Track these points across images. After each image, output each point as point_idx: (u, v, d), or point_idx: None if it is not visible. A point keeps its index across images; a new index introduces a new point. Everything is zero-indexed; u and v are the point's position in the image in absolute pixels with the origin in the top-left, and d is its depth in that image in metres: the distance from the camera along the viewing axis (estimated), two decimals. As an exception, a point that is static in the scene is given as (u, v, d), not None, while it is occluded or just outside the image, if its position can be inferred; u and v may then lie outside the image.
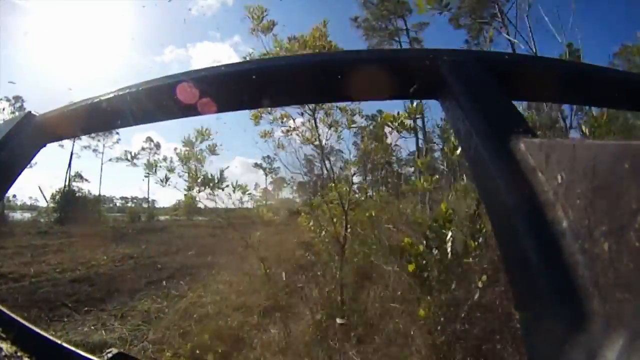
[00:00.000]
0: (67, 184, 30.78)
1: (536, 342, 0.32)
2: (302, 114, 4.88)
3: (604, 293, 0.26)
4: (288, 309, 4.44)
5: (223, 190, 4.40)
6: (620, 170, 0.27)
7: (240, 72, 0.64)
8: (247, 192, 4.63)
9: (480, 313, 2.55)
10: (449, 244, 2.82)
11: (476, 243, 2.75)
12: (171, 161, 4.70)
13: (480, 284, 2.57)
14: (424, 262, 2.85)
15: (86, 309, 6.07)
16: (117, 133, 36.90)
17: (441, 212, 2.94)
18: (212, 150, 4.47)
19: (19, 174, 0.76)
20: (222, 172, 4.43)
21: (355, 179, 5.34)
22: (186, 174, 4.31)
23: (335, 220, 4.57)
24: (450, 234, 2.85)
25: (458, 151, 3.16)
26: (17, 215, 27.50)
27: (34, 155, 0.79)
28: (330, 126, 4.86)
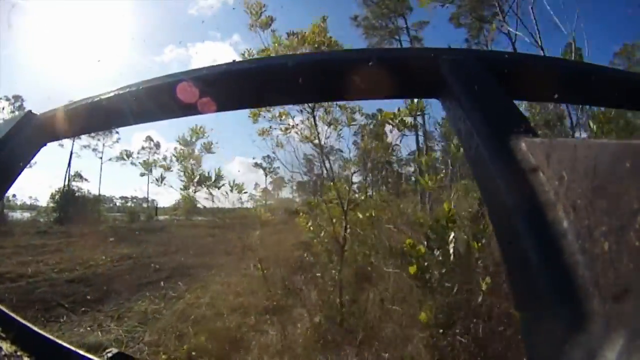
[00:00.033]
0: (66, 183, 30.80)
1: (536, 342, 0.32)
2: (301, 112, 4.84)
3: (605, 293, 0.26)
4: (286, 311, 4.39)
5: (219, 189, 4.34)
6: (620, 170, 0.27)
7: (240, 71, 0.64)
8: (244, 192, 4.56)
9: (484, 316, 2.50)
10: (452, 245, 2.76)
11: (479, 244, 2.69)
12: (170, 160, 4.62)
13: (484, 287, 2.51)
14: (426, 263, 2.79)
15: (83, 309, 6.06)
16: (117, 132, 36.86)
17: (443, 212, 2.88)
18: (208, 149, 4.41)
19: (19, 173, 0.76)
20: (218, 170, 4.37)
21: (355, 179, 5.29)
22: (182, 173, 4.24)
23: (334, 220, 4.51)
24: (452, 234, 2.79)
25: (462, 150, 3.11)
26: (17, 215, 27.50)
27: (34, 155, 0.79)
28: (329, 124, 4.81)
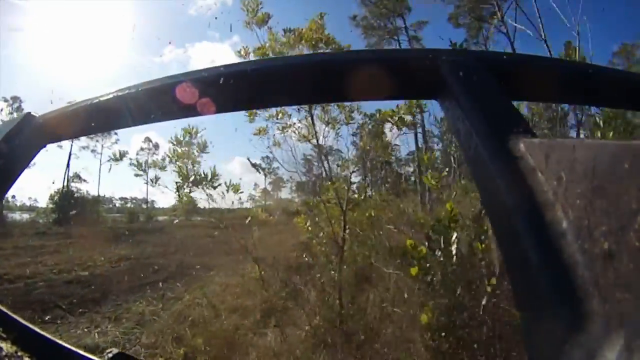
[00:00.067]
0: (65, 184, 30.75)
1: (536, 342, 0.32)
2: (298, 111, 4.78)
3: (604, 293, 0.26)
4: (284, 313, 4.35)
5: (215, 189, 4.23)
6: (620, 170, 0.27)
7: (240, 73, 0.64)
8: (240, 192, 4.44)
9: (489, 318, 2.44)
10: (454, 245, 2.70)
11: (483, 245, 2.62)
12: (163, 160, 4.58)
13: (488, 288, 2.45)
14: (427, 265, 2.73)
15: (80, 310, 6.06)
16: (116, 133, 36.81)
17: (446, 211, 2.82)
18: (202, 148, 4.31)
19: (19, 174, 0.76)
20: (214, 169, 4.26)
21: (355, 179, 5.24)
22: (177, 174, 4.13)
23: (332, 221, 4.44)
24: (455, 235, 2.73)
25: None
26: (16, 216, 27.45)
27: (34, 156, 0.79)
28: (327, 123, 4.75)
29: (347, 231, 4.35)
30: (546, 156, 0.35)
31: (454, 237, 2.72)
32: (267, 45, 4.69)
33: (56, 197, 25.06)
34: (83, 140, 35.59)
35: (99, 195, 35.50)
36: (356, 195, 5.32)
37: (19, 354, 0.62)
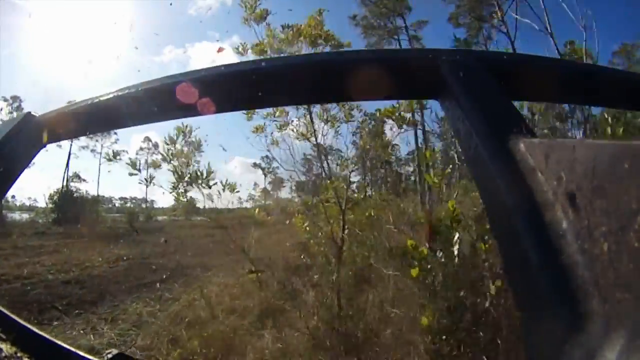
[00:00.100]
0: (65, 184, 30.73)
1: (536, 342, 0.32)
2: (297, 109, 4.65)
3: (604, 293, 0.26)
4: (282, 315, 4.27)
5: (210, 188, 4.12)
6: (620, 170, 0.27)
7: (240, 73, 0.64)
8: (236, 191, 4.33)
9: (492, 322, 2.37)
10: (456, 246, 2.61)
11: (487, 245, 2.53)
12: (163, 160, 4.37)
13: (493, 291, 2.36)
14: (429, 266, 2.65)
15: (77, 311, 5.97)
16: (115, 133, 36.76)
17: (448, 211, 2.72)
18: (197, 147, 4.23)
19: (19, 174, 0.76)
20: (209, 167, 4.13)
21: (354, 179, 5.17)
22: (172, 173, 4.03)
23: (332, 220, 4.33)
24: (457, 235, 2.64)
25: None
26: (16, 216, 27.41)
27: (34, 156, 0.79)
28: (326, 121, 4.63)
29: (346, 231, 4.26)
30: (546, 156, 0.35)
31: (456, 238, 2.64)
32: (265, 42, 4.59)
33: (55, 197, 25.03)
34: (82, 140, 35.53)
35: (98, 195, 35.51)
36: (356, 195, 5.26)
37: (19, 354, 0.62)
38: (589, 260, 0.27)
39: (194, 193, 4.18)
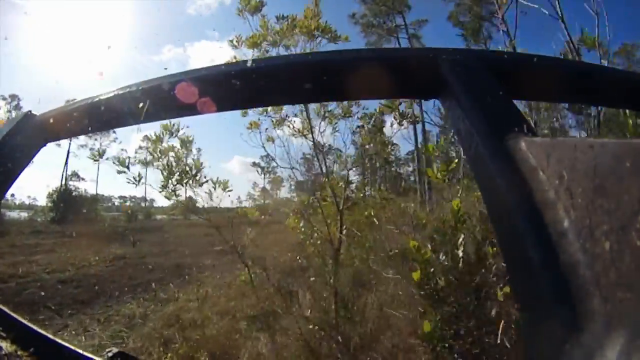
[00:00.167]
0: (63, 183, 30.72)
1: (537, 341, 0.32)
2: (293, 104, 4.29)
3: (605, 293, 0.26)
4: (277, 317, 4.11)
5: (201, 185, 3.94)
6: (621, 169, 0.27)
7: (239, 72, 0.64)
8: (229, 189, 4.15)
9: (500, 329, 2.23)
10: (461, 248, 2.46)
11: (494, 249, 2.38)
12: (152, 158, 4.20)
13: (501, 297, 2.21)
14: (432, 269, 2.49)
15: (70, 312, 5.97)
16: (114, 132, 36.81)
17: (452, 210, 2.55)
18: (186, 145, 4.03)
19: (19, 173, 0.76)
20: (197, 162, 3.97)
21: (353, 177, 5.05)
22: (160, 171, 3.83)
23: (329, 220, 4.15)
24: (462, 236, 2.49)
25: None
26: (15, 215, 27.39)
27: (34, 155, 0.79)
28: (324, 117, 4.45)
29: (344, 232, 4.12)
30: (547, 155, 0.35)
31: (460, 240, 2.49)
32: (258, 34, 4.35)
33: (54, 196, 25.01)
34: (82, 139, 35.61)
35: (97, 194, 35.51)
36: (354, 194, 5.12)
37: (19, 353, 0.63)
38: (590, 260, 0.27)
39: (190, 192, 4.03)
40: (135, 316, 5.88)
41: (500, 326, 2.19)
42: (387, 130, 5.11)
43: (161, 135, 3.92)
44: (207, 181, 3.99)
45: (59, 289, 7.26)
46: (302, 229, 4.55)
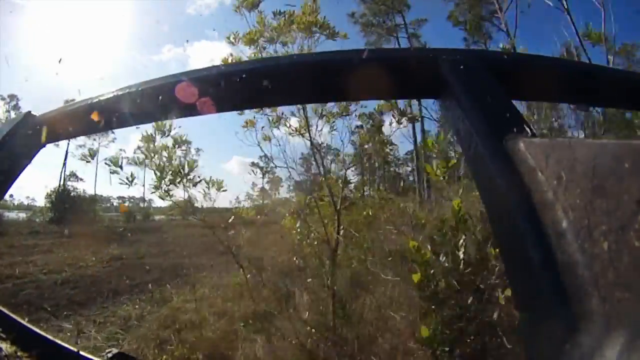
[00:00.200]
0: (62, 183, 30.67)
1: (536, 342, 0.32)
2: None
3: (604, 293, 0.26)
4: (274, 319, 4.02)
5: (195, 185, 3.83)
6: (620, 169, 0.27)
7: (240, 72, 0.64)
8: (223, 189, 4.00)
9: (502, 333, 2.20)
10: (462, 250, 2.38)
11: (496, 250, 2.25)
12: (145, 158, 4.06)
13: (502, 300, 2.15)
14: (432, 271, 2.41)
15: (65, 313, 5.90)
16: (113, 132, 36.70)
17: (453, 210, 2.47)
18: (178, 143, 3.90)
19: (19, 174, 0.76)
20: (190, 161, 3.85)
21: (352, 177, 4.98)
22: (153, 171, 3.70)
23: (326, 220, 4.05)
24: (464, 237, 2.41)
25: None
26: (13, 215, 27.29)
27: (34, 155, 0.79)
28: (322, 115, 4.36)
29: (342, 232, 4.01)
30: (546, 156, 0.35)
31: (461, 241, 2.40)
32: (254, 30, 4.28)
33: (53, 196, 24.95)
34: (80, 139, 35.50)
35: (95, 194, 35.42)
36: (352, 194, 5.06)
37: (19, 353, 0.63)
38: (589, 260, 0.27)
39: (185, 193, 3.95)
40: (131, 317, 5.83)
41: (502, 329, 2.16)
42: (385, 129, 5.09)
43: (153, 135, 3.85)
44: (200, 181, 3.88)
45: (55, 290, 7.18)
46: (299, 230, 4.45)
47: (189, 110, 0.65)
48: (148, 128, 3.90)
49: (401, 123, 4.11)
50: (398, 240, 4.05)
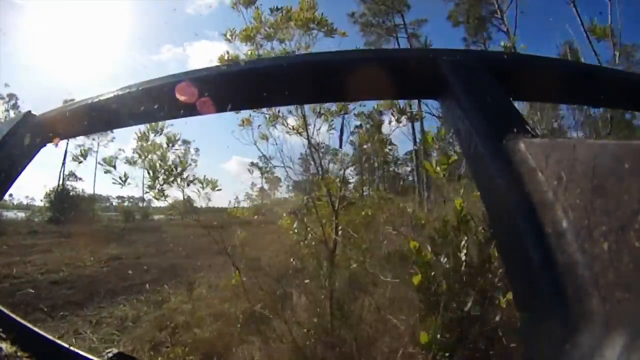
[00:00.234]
0: (61, 182, 30.63)
1: (536, 342, 0.32)
2: None
3: (604, 293, 0.26)
4: (268, 322, 4.00)
5: (188, 185, 3.76)
6: (620, 170, 0.27)
7: (240, 72, 0.64)
8: (218, 188, 3.93)
9: (503, 337, 2.18)
10: (464, 251, 2.32)
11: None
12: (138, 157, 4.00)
13: (504, 303, 2.11)
14: (432, 273, 2.36)
15: (62, 313, 5.88)
16: (112, 132, 36.65)
17: (455, 210, 2.40)
18: (172, 142, 3.79)
19: (19, 174, 0.76)
20: (183, 160, 3.77)
21: (351, 177, 4.94)
22: (146, 170, 3.66)
23: (324, 221, 3.97)
24: (466, 238, 2.35)
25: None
26: (12, 215, 27.23)
27: (34, 155, 0.79)
28: (320, 114, 4.27)
29: (340, 233, 3.94)
30: (546, 156, 0.35)
31: (463, 242, 2.34)
32: (251, 27, 4.19)
33: (52, 196, 24.91)
34: (79, 139, 35.44)
35: (94, 194, 35.39)
36: (351, 194, 5.00)
37: (19, 354, 0.62)
38: (589, 260, 0.27)
39: (179, 192, 3.85)
40: (127, 318, 5.81)
41: (504, 334, 2.13)
42: (385, 128, 5.06)
43: (146, 133, 3.76)
44: (193, 180, 3.80)
45: (52, 290, 7.16)
46: (296, 230, 4.36)
47: (189, 110, 0.65)
48: (142, 127, 3.83)
49: (401, 122, 4.08)
50: (397, 241, 4.01)
